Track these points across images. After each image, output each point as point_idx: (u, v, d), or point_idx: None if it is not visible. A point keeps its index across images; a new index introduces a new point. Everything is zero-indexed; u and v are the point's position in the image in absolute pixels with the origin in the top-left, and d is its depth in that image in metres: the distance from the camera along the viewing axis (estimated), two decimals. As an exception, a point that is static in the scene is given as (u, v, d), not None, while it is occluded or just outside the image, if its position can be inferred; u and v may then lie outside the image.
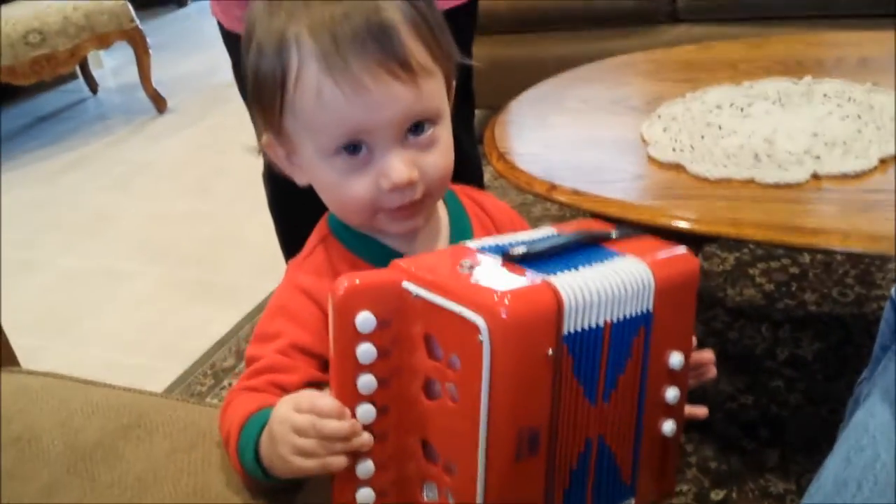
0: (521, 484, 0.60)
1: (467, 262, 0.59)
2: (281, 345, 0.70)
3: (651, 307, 0.62)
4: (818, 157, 1.16)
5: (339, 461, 0.59)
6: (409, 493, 0.63)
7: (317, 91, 0.64)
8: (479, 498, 0.58)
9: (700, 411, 0.72)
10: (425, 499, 0.62)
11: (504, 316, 0.54)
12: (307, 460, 0.59)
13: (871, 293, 1.68)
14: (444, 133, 0.70)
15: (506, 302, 0.54)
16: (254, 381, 0.69)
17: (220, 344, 1.87)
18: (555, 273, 0.58)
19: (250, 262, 2.18)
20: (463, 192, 0.81)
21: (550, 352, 0.56)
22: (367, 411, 0.59)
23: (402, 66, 0.64)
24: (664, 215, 1.10)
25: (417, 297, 0.58)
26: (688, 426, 0.70)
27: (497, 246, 0.63)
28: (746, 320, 1.65)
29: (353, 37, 0.63)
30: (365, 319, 0.57)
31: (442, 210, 0.78)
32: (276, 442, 0.61)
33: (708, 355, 0.72)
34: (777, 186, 1.11)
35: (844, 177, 1.11)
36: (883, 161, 1.14)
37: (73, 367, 0.96)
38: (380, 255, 0.73)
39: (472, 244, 0.64)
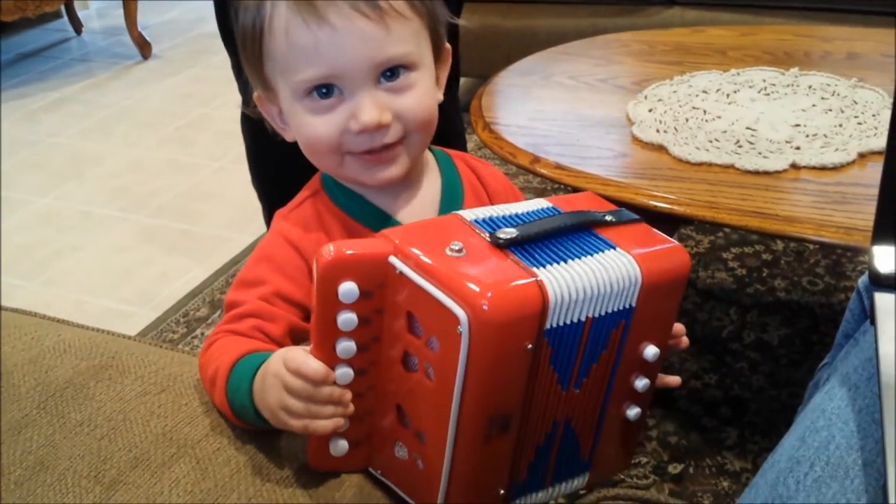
0: (489, 459, 0.61)
1: (457, 245, 0.57)
2: (264, 291, 0.70)
3: (634, 303, 0.61)
4: (798, 148, 1.18)
5: (324, 425, 0.60)
6: (381, 445, 0.64)
7: (286, 31, 0.65)
8: (445, 469, 0.60)
9: (673, 380, 0.73)
10: (396, 454, 0.64)
11: (486, 311, 0.53)
12: (292, 419, 0.60)
13: (840, 284, 1.71)
14: (422, 79, 0.69)
15: (488, 295, 0.53)
16: (237, 324, 0.70)
17: (194, 294, 1.87)
18: (544, 265, 0.57)
19: (228, 215, 2.17)
20: (460, 157, 0.81)
21: (529, 346, 0.56)
22: (345, 374, 0.60)
23: (370, 4, 0.64)
24: (644, 194, 1.11)
25: (402, 274, 0.57)
26: (652, 401, 0.71)
27: (492, 220, 0.62)
28: (716, 302, 1.67)
29: None
30: (348, 290, 0.57)
31: (435, 174, 0.77)
32: (267, 394, 0.62)
33: (679, 327, 0.72)
34: (756, 173, 1.13)
35: (823, 168, 1.13)
36: (862, 156, 1.15)
37: (44, 308, 0.96)
38: (368, 214, 0.73)
39: (466, 215, 0.63)
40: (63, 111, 2.94)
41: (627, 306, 0.61)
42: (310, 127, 0.69)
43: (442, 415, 0.58)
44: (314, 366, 0.59)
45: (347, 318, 0.58)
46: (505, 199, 0.80)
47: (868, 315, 0.64)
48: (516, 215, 0.63)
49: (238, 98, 1.35)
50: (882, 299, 0.60)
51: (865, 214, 1.00)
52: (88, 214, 2.26)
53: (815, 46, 1.63)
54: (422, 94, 0.69)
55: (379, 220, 0.73)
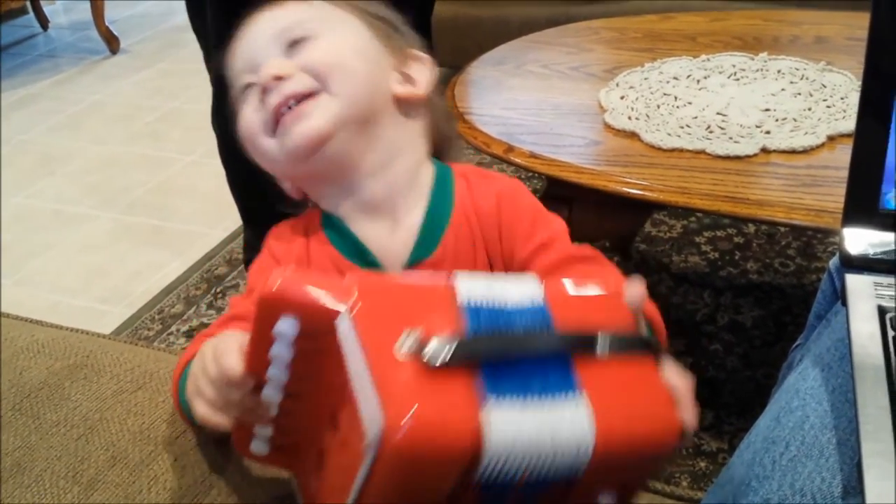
0: None
1: (414, 340, 0.46)
2: (255, 297, 0.69)
3: (580, 474, 0.49)
4: (768, 132, 1.19)
5: (224, 422, 0.55)
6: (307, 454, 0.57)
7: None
8: None
9: None
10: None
11: (397, 439, 0.44)
12: (202, 405, 0.56)
13: (811, 265, 1.73)
14: (332, 41, 0.69)
15: (402, 424, 0.43)
16: (220, 327, 0.69)
17: (169, 290, 1.85)
18: (499, 397, 0.46)
19: (201, 210, 2.15)
20: (463, 175, 0.72)
21: (449, 488, 0.47)
22: (271, 395, 0.53)
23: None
24: (617, 181, 1.12)
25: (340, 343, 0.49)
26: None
27: (479, 310, 0.50)
28: (690, 286, 1.69)
29: None
30: (288, 326, 0.50)
31: (421, 197, 0.70)
32: (190, 377, 0.58)
33: None
34: (727, 158, 1.14)
35: (793, 152, 1.14)
36: (831, 138, 1.17)
37: (17, 308, 0.95)
38: (345, 243, 0.69)
39: (463, 290, 0.51)
40: (31, 108, 2.90)
41: (571, 475, 0.49)
42: (244, 121, 0.70)
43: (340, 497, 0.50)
44: (231, 363, 0.53)
45: (280, 351, 0.51)
46: (496, 220, 0.70)
47: (839, 296, 0.65)
48: (504, 311, 0.51)
49: (209, 91, 1.35)
50: (853, 281, 0.61)
51: (835, 197, 1.02)
52: (60, 212, 2.23)
53: (783, 31, 1.64)
54: (328, 45, 0.68)
55: (354, 250, 0.69)
